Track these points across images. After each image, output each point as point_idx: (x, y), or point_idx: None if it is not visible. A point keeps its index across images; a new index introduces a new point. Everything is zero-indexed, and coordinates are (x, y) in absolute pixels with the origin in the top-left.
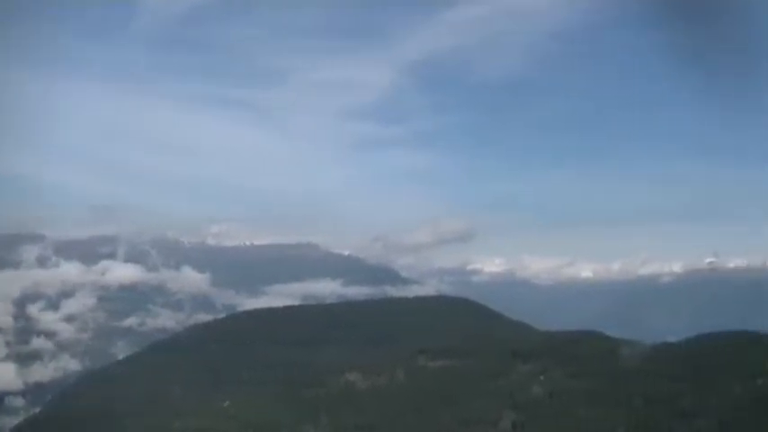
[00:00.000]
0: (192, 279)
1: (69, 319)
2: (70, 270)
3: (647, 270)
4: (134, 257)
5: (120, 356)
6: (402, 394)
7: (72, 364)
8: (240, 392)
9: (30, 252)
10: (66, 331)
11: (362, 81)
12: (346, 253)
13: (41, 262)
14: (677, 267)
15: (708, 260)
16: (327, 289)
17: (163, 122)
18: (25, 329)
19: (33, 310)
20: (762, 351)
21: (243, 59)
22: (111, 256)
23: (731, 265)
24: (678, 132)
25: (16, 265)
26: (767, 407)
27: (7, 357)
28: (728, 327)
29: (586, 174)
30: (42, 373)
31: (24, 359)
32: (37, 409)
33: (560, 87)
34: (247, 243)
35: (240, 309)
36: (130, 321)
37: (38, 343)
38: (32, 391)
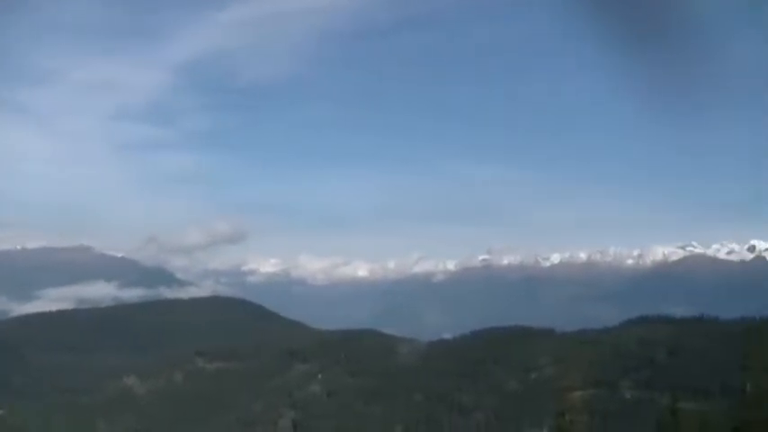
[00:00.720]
0: None
1: None
2: None
3: (421, 268)
4: None
5: None
6: (181, 397)
7: None
8: (14, 401)
9: None
10: None
11: (133, 82)
12: (120, 255)
13: None
14: (451, 265)
15: (481, 258)
16: (102, 292)
17: None
18: None
19: None
20: (534, 345)
21: (8, 57)
22: None
23: (504, 261)
24: (453, 135)
25: None
26: (541, 399)
27: None
28: (502, 322)
29: (361, 175)
30: None
31: None
32: None
33: (331, 88)
34: (18, 247)
35: (12, 315)
36: None
37: None
38: None
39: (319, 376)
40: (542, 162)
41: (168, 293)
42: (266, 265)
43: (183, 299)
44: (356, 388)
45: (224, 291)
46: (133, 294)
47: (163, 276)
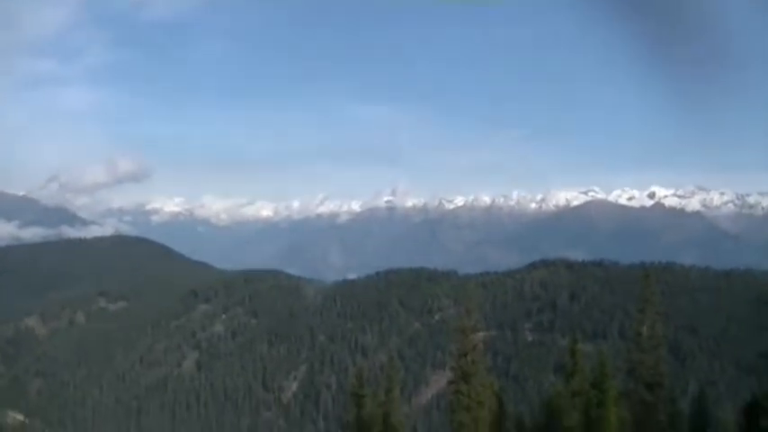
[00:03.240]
0: None
1: None
2: None
3: (325, 209)
4: None
5: None
6: (83, 338)
7: None
8: None
9: None
10: None
11: (32, 16)
12: (21, 193)
13: None
14: (355, 206)
15: (386, 199)
16: (2, 231)
17: None
18: None
19: None
20: (437, 287)
21: None
22: None
23: (408, 203)
24: (360, 76)
25: None
26: (443, 341)
27: None
28: (406, 264)
29: (266, 115)
30: None
31: None
32: None
33: (233, 28)
34: None
35: None
36: None
37: None
38: None
39: (223, 317)
40: (449, 105)
41: (70, 233)
42: (170, 205)
43: (86, 238)
44: (260, 328)
45: (127, 230)
46: (34, 234)
47: (65, 215)
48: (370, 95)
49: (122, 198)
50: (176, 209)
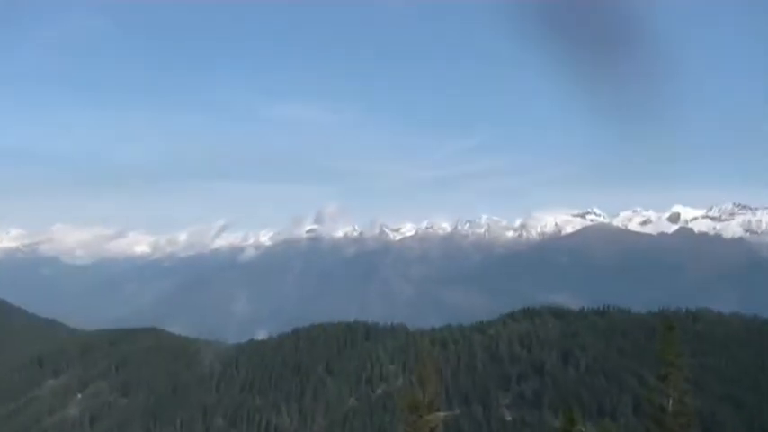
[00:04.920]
0: None
1: None
2: None
3: (224, 241)
4: None
5: None
6: None
7: None
8: None
9: None
10: None
11: None
12: None
13: None
14: (266, 237)
15: (308, 227)
16: None
17: None
18: None
19: None
20: (380, 348)
21: None
22: None
23: (339, 233)
24: (261, 66)
25: None
26: (388, 422)
27: None
28: (335, 316)
29: (140, 116)
30: None
31: None
32: None
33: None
34: None
35: None
36: None
37: None
38: None
39: (79, 395)
40: (392, 104)
41: None
42: (5, 239)
43: None
44: (131, 410)
45: None
46: None
47: None
48: (284, 90)
49: None
50: (13, 244)
